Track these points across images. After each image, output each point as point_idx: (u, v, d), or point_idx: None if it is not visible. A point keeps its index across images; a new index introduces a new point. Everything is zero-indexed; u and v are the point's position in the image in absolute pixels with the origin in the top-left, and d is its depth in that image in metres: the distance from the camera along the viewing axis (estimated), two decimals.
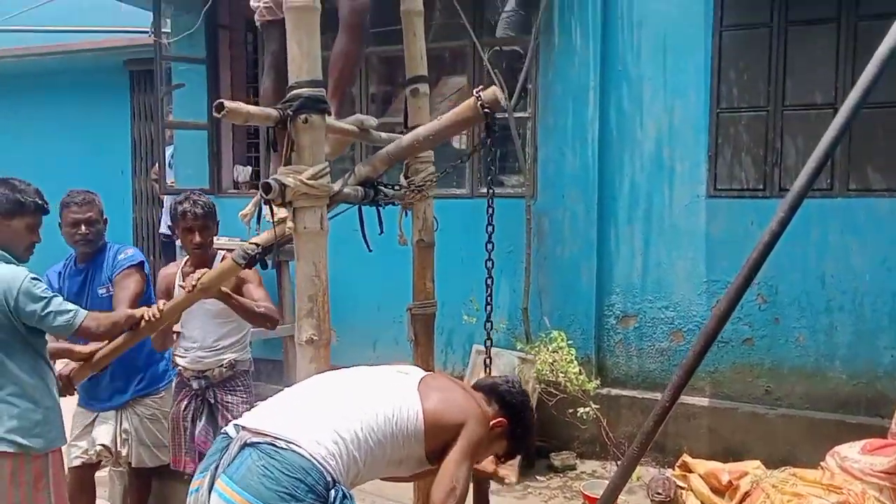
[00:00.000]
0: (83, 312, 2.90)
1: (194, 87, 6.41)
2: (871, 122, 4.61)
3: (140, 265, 3.59)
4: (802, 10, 4.84)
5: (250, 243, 2.86)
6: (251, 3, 3.17)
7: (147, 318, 3.08)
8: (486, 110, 2.69)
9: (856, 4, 4.71)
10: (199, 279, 3.05)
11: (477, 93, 2.69)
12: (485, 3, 5.73)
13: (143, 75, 8.34)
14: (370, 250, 3.09)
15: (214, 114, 2.23)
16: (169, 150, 7.14)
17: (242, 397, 3.63)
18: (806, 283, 4.91)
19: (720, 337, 3.13)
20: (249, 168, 6.60)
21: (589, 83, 5.23)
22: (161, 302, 3.20)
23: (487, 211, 2.89)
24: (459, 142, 6.32)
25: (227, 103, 2.25)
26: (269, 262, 2.81)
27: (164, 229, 7.78)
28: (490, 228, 2.91)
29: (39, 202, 2.93)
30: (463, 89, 5.95)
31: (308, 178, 2.45)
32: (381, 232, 3.12)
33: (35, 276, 2.83)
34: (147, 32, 7.07)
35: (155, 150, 8.11)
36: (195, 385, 3.55)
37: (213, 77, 6.41)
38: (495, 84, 5.27)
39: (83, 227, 3.49)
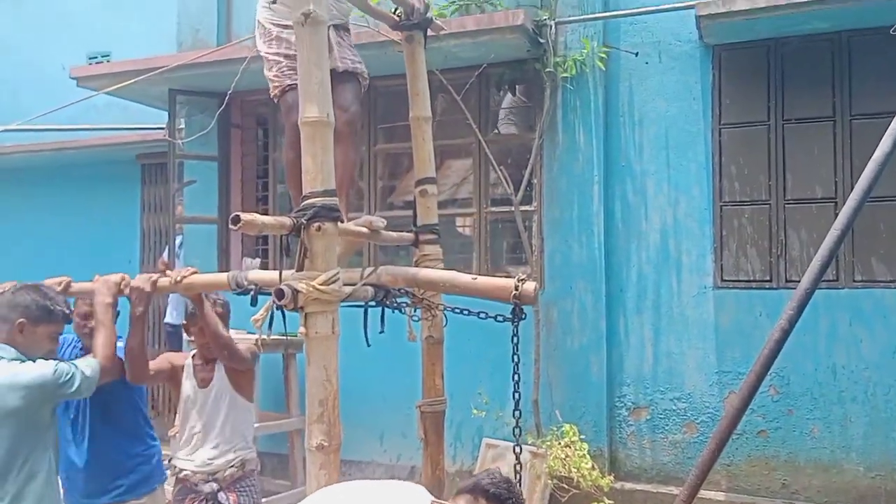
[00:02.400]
0: (91, 361, 2.90)
1: (205, 182, 6.57)
2: (872, 215, 4.69)
3: None
4: (798, 109, 5.01)
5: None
6: (265, 73, 3.22)
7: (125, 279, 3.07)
8: (516, 301, 2.70)
9: (850, 104, 4.89)
10: (184, 276, 3.03)
11: (518, 281, 2.69)
12: (489, 102, 5.92)
13: (154, 168, 8.53)
14: (368, 345, 3.08)
15: (230, 226, 2.29)
16: (178, 240, 7.23)
17: (253, 497, 3.56)
18: (818, 374, 4.87)
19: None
20: (258, 260, 6.66)
21: (593, 178, 5.35)
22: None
23: (512, 340, 2.81)
24: (463, 224, 6.39)
25: (243, 216, 2.31)
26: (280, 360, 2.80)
27: (168, 318, 7.79)
28: (515, 350, 2.86)
29: (67, 312, 2.95)
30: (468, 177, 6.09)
31: (320, 284, 2.48)
32: (382, 331, 3.11)
33: (54, 365, 2.79)
34: (158, 128, 7.29)
35: (163, 241, 8.23)
36: (206, 489, 3.46)
37: (223, 173, 6.56)
38: (501, 179, 5.43)
39: (92, 321, 3.44)
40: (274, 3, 3.04)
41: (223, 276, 2.99)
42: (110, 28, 8.53)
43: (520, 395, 2.84)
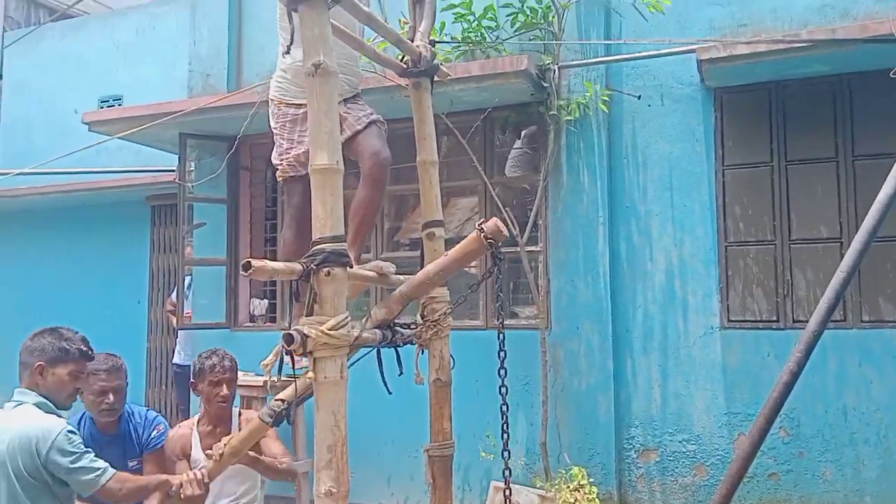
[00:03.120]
0: (110, 472, 2.85)
1: (214, 224, 6.62)
2: (879, 255, 4.70)
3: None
4: (800, 150, 5.06)
5: (276, 400, 2.86)
6: (273, 159, 3.31)
7: (183, 486, 2.99)
8: (489, 241, 2.77)
9: (852, 145, 4.93)
10: (226, 444, 3.01)
11: (479, 225, 2.78)
12: (494, 145, 5.99)
13: (164, 209, 8.63)
14: (390, 392, 3.10)
15: (241, 272, 2.31)
16: (187, 280, 7.28)
17: None
18: (828, 415, 4.83)
19: None
20: (266, 301, 6.69)
21: (598, 219, 5.38)
22: (197, 471, 3.08)
23: (499, 336, 2.91)
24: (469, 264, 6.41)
25: (255, 262, 2.34)
26: (291, 416, 2.81)
27: (177, 359, 7.80)
28: (502, 354, 2.93)
29: (84, 349, 2.96)
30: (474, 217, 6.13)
31: (329, 329, 2.49)
32: (401, 373, 3.14)
33: (72, 429, 2.82)
34: (168, 171, 7.39)
35: (171, 281, 8.28)
36: None
37: (232, 215, 6.63)
38: (507, 220, 5.46)
39: (110, 396, 3.41)
40: (287, 53, 3.11)
41: (256, 423, 2.96)
42: (122, 72, 8.72)
43: (508, 408, 2.98)
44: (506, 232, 2.92)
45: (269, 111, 3.30)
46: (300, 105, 3.06)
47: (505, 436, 2.99)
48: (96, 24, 9.08)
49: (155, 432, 3.54)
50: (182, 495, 3.01)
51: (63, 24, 8.98)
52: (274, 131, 3.28)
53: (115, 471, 2.89)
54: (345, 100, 3.23)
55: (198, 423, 3.58)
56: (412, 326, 3.21)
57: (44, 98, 9.17)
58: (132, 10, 9.10)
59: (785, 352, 4.76)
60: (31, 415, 2.78)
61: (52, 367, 2.85)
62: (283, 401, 2.80)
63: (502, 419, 2.96)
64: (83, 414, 3.59)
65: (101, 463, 2.86)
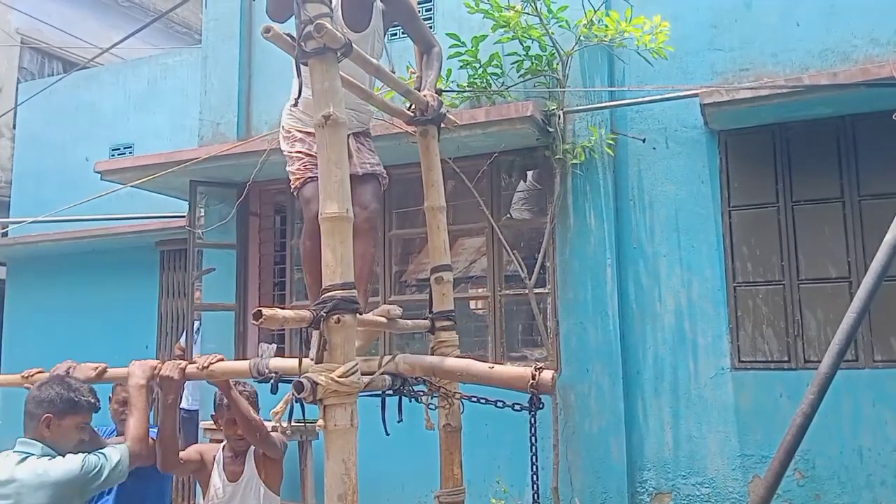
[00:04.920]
0: (123, 450, 2.89)
1: (223, 269, 6.67)
2: (889, 294, 4.67)
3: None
4: (806, 191, 5.08)
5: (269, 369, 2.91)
6: (287, 167, 3.33)
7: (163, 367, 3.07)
8: (533, 389, 2.71)
9: (857, 185, 4.96)
10: (212, 362, 3.05)
11: (536, 370, 2.69)
12: (500, 187, 6.05)
13: (173, 254, 8.69)
14: (387, 434, 3.08)
15: (252, 321, 2.33)
16: (196, 325, 7.29)
17: None
18: (843, 456, 4.77)
19: None
20: (274, 346, 6.69)
21: (605, 260, 5.40)
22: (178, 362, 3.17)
23: (530, 430, 2.79)
24: (476, 305, 6.41)
25: (265, 311, 2.36)
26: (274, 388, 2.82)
27: (184, 404, 7.76)
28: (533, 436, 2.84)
29: (92, 401, 2.95)
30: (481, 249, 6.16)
31: (339, 376, 2.50)
32: (400, 420, 3.12)
33: (81, 459, 2.80)
34: (178, 216, 7.46)
35: (180, 326, 8.29)
36: None
37: (242, 260, 6.68)
38: (516, 262, 5.48)
39: None
40: (295, 105, 3.17)
41: (245, 364, 3.04)
42: (134, 121, 8.88)
43: (538, 487, 2.79)
44: (555, 392, 2.86)
45: (281, 139, 3.35)
46: (310, 132, 3.10)
47: (535, 487, 2.89)
48: (108, 74, 9.28)
49: None
50: (158, 374, 3.09)
51: (76, 74, 9.18)
52: (286, 152, 3.31)
53: (124, 445, 2.92)
54: (354, 134, 3.28)
55: (223, 449, 3.58)
56: (426, 381, 3.20)
57: (56, 147, 9.33)
58: (144, 60, 9.31)
59: (797, 392, 4.71)
60: (43, 465, 2.77)
61: (59, 419, 2.84)
62: (274, 371, 2.84)
63: (533, 483, 2.86)
64: (110, 428, 3.66)
65: (113, 452, 2.87)
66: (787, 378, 4.92)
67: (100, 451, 2.89)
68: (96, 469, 2.79)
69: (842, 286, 4.86)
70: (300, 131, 3.25)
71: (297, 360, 2.67)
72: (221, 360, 3.13)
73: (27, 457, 2.77)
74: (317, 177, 3.01)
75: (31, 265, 9.33)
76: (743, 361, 5.09)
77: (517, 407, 2.80)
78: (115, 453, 2.89)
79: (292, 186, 3.32)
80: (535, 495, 2.87)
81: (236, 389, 3.43)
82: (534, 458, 2.81)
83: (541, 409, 2.74)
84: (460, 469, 3.46)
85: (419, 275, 6.75)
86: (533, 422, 2.76)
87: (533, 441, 2.80)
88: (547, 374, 2.68)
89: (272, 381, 2.88)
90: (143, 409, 3.09)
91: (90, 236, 8.31)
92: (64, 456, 2.84)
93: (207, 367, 3.07)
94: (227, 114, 6.80)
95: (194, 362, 3.15)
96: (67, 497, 2.71)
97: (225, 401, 3.50)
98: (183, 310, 8.26)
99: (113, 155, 8.76)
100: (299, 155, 3.24)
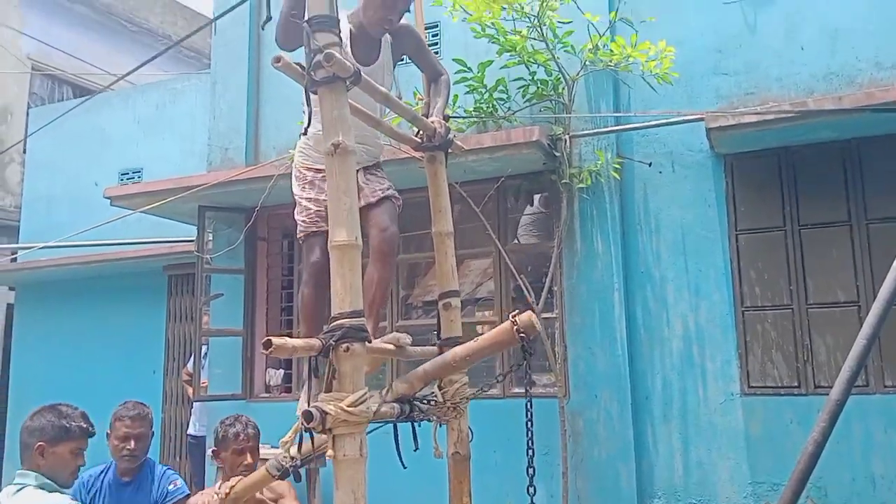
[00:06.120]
0: None
1: (231, 294, 6.68)
2: None
3: (186, 498, 3.56)
4: (813, 214, 5.07)
5: (285, 455, 2.86)
6: (295, 214, 3.35)
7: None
8: (521, 335, 2.76)
9: (864, 209, 4.95)
10: (232, 486, 3.02)
11: (513, 317, 2.77)
12: (507, 211, 6.06)
13: (181, 279, 8.71)
14: (405, 467, 3.06)
15: (262, 351, 2.34)
16: (203, 349, 7.29)
17: None
18: (856, 484, 4.71)
19: None
20: (281, 371, 6.68)
21: (613, 284, 5.39)
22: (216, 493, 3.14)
23: (527, 435, 2.83)
24: (483, 330, 6.39)
25: (275, 341, 2.36)
26: (302, 475, 2.81)
27: (192, 430, 7.74)
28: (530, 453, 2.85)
29: (84, 426, 2.94)
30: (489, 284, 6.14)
31: (348, 406, 2.48)
32: (417, 448, 3.10)
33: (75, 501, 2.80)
34: (186, 241, 7.49)
35: (187, 350, 8.29)
36: None
37: (250, 285, 6.69)
38: (523, 286, 5.48)
39: (132, 443, 3.49)
40: (304, 134, 3.20)
41: (262, 470, 3.01)
42: (143, 146, 8.94)
43: (534, 471, 2.87)
44: (539, 327, 2.92)
45: (292, 177, 3.37)
46: (320, 170, 3.13)
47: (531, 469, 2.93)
48: (118, 99, 9.37)
49: (171, 486, 3.54)
50: None
51: (86, 100, 9.27)
52: (296, 196, 3.33)
53: None
54: (364, 168, 3.30)
55: (219, 486, 3.56)
56: (431, 401, 3.19)
57: (65, 172, 9.40)
58: (153, 85, 9.40)
59: (808, 418, 4.68)
60: (35, 498, 2.75)
61: (52, 447, 2.82)
62: (292, 457, 2.79)
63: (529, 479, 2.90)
64: (110, 464, 3.63)
65: None
66: (798, 404, 4.88)
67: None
68: None
69: (850, 310, 4.83)
70: (309, 169, 3.26)
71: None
72: (239, 480, 3.13)
73: (22, 488, 2.75)
74: (321, 231, 3.05)
75: (40, 289, 9.36)
76: (752, 387, 5.06)
77: (515, 368, 2.87)
78: None
79: (298, 236, 3.36)
80: (531, 489, 2.93)
81: (239, 438, 3.45)
82: (530, 441, 2.89)
83: (532, 354, 2.84)
84: (469, 498, 3.42)
85: (425, 297, 6.75)
86: (529, 406, 2.87)
87: (530, 427, 2.90)
88: (525, 315, 2.74)
89: (295, 468, 2.88)
90: None
91: (98, 261, 8.34)
92: (62, 484, 2.84)
93: (229, 492, 3.06)
94: (235, 139, 6.84)
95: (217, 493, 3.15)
96: None
97: (230, 432, 3.49)
98: (190, 335, 8.26)
99: (122, 179, 8.82)
100: (307, 206, 3.26)
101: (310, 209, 3.23)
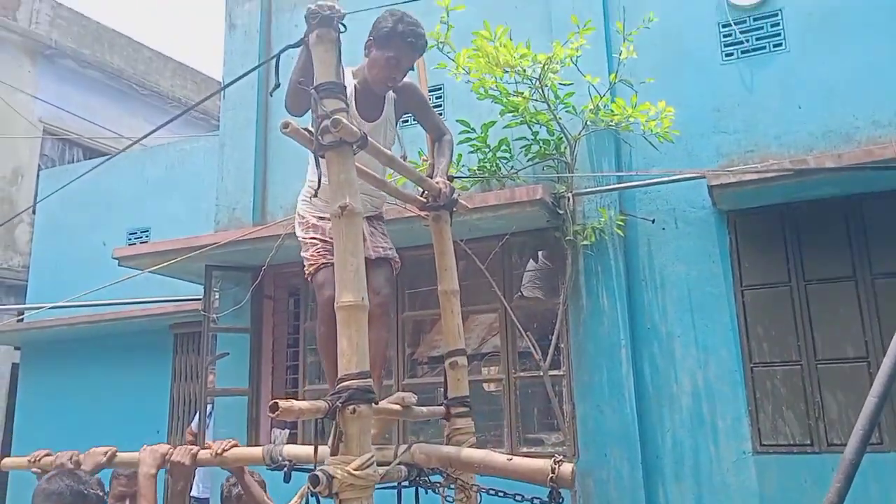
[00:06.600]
0: None
1: (237, 353, 6.66)
2: None
3: None
4: (818, 270, 5.08)
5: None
6: (301, 253, 3.37)
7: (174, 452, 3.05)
8: (552, 483, 2.68)
9: (869, 264, 4.95)
10: (223, 448, 3.04)
11: (556, 463, 2.63)
12: (512, 268, 6.08)
13: (187, 337, 8.70)
14: None
15: (268, 414, 2.33)
16: (208, 408, 7.22)
17: None
18: None
19: None
20: (287, 431, 6.60)
21: (620, 341, 5.36)
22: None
23: None
24: (489, 387, 6.32)
25: (282, 404, 2.35)
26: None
27: (195, 492, 7.61)
28: None
29: (101, 494, 2.95)
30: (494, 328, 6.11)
31: (355, 469, 2.46)
32: None
33: None
34: (192, 299, 7.50)
35: (191, 410, 8.22)
36: None
37: (255, 344, 6.67)
38: (529, 344, 5.46)
39: (127, 502, 3.51)
40: (315, 196, 3.24)
41: (258, 451, 3.02)
42: (151, 206, 9.04)
43: None
44: (573, 485, 2.85)
45: (295, 224, 3.40)
46: (324, 217, 3.16)
47: None
48: (127, 160, 9.49)
49: None
50: (169, 459, 3.06)
51: (95, 161, 9.41)
52: (300, 238, 3.36)
53: None
54: (367, 218, 3.33)
55: None
56: (440, 472, 3.14)
57: (73, 232, 9.49)
58: (162, 147, 9.56)
59: (822, 477, 4.60)
60: None
61: None
62: (290, 460, 2.80)
63: None
64: None
65: None
66: (811, 462, 4.79)
67: None
68: None
69: (860, 366, 4.79)
70: (314, 216, 3.32)
71: (311, 448, 2.66)
72: (235, 445, 3.11)
73: None
74: (330, 263, 3.06)
75: (45, 349, 9.35)
76: (765, 445, 4.98)
77: (536, 501, 2.73)
78: None
79: (306, 272, 3.36)
80: None
81: (242, 499, 3.41)
82: None
83: (560, 503, 2.68)
84: None
85: (431, 353, 6.71)
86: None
87: None
88: (567, 468, 2.62)
89: (286, 469, 2.87)
90: (153, 499, 3.05)
91: (105, 320, 8.36)
92: None
93: (221, 452, 3.06)
94: (242, 199, 6.93)
95: (207, 447, 3.14)
96: None
97: (234, 492, 3.45)
98: (195, 393, 8.20)
99: (130, 239, 8.90)
100: (313, 241, 3.29)
101: (316, 243, 3.25)
